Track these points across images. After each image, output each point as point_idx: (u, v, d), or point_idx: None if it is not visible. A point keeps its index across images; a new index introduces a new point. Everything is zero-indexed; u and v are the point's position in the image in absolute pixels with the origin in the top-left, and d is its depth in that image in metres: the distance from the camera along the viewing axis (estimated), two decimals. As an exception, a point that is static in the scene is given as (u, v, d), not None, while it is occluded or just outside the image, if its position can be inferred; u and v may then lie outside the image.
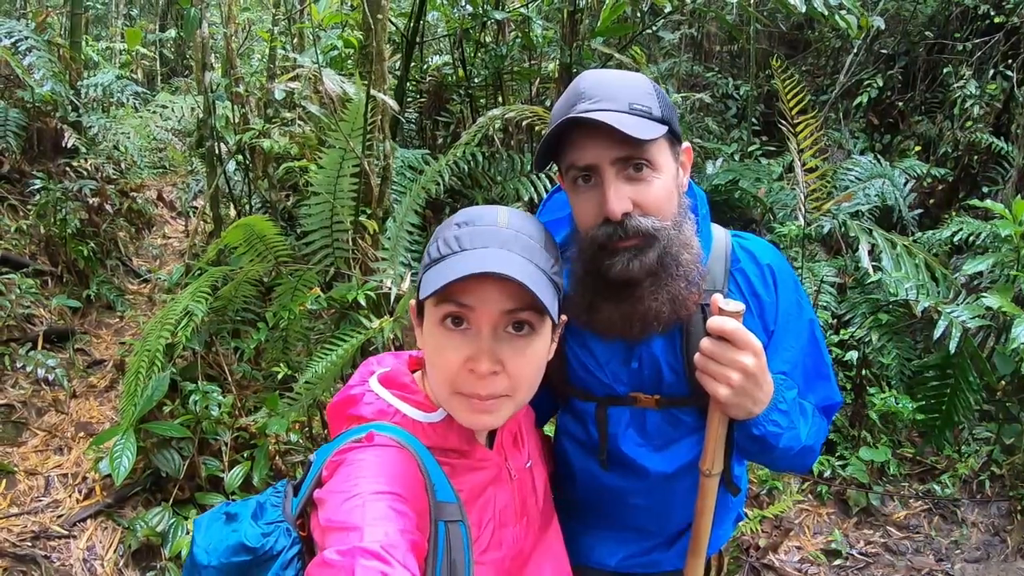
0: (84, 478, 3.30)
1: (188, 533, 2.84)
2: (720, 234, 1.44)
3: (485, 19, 4.60)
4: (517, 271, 1.03)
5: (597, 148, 1.22)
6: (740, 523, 1.90)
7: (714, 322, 1.21)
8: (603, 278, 1.29)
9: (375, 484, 1.03)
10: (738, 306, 1.22)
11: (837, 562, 3.42)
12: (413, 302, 1.22)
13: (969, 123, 4.87)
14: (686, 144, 1.36)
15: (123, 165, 5.32)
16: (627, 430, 1.47)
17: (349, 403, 1.22)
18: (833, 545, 3.47)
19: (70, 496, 3.20)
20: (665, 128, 1.25)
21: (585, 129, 1.22)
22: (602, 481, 1.53)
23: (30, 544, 2.90)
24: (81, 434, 3.57)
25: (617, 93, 1.23)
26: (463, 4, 4.72)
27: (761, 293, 1.40)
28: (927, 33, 5.44)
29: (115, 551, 2.97)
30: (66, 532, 3.00)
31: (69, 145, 4.65)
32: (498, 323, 1.09)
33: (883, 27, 4.23)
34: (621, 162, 1.23)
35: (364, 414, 1.18)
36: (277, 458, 3.24)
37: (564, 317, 1.24)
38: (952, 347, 3.30)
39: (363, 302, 3.06)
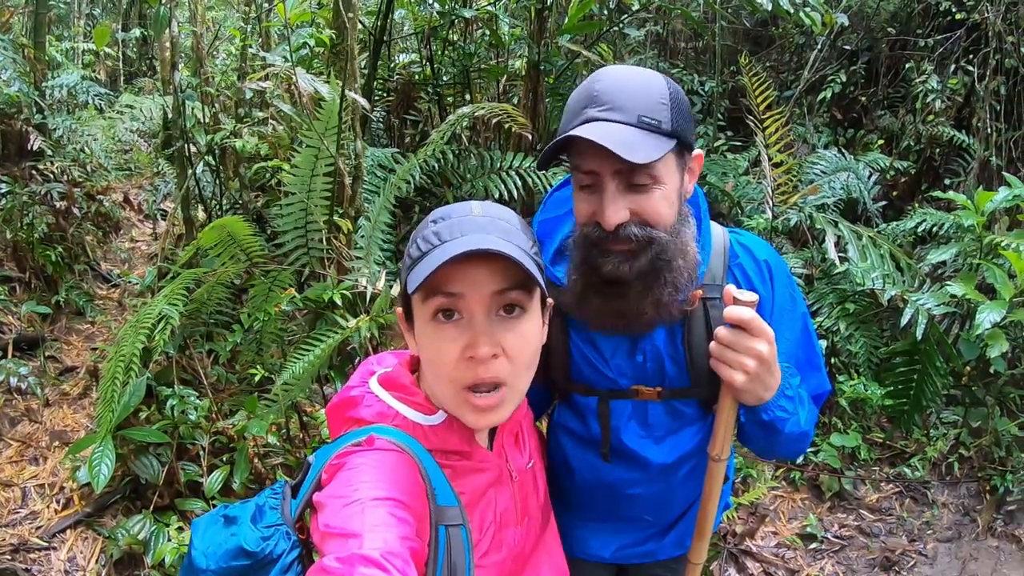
0: (61, 488, 3.24)
1: (170, 540, 2.81)
2: (718, 231, 1.48)
3: (453, 17, 4.60)
4: (501, 248, 1.04)
5: (600, 158, 1.22)
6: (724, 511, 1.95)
7: (732, 311, 1.25)
8: (595, 273, 1.32)
9: (375, 490, 1.03)
10: (752, 296, 1.26)
11: (813, 546, 3.49)
12: (400, 309, 1.21)
13: (931, 117, 4.96)
14: (698, 151, 1.35)
15: (89, 168, 5.23)
16: (629, 422, 1.50)
17: (349, 404, 1.21)
18: (808, 529, 3.55)
19: (48, 507, 3.14)
20: (672, 143, 1.24)
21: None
22: (601, 474, 1.55)
23: (9, 557, 2.85)
24: (56, 443, 3.51)
25: (629, 102, 1.23)
26: (431, 2, 4.71)
27: (758, 288, 1.44)
28: (890, 29, 5.53)
29: (97, 561, 2.93)
30: (46, 544, 2.96)
31: (35, 148, 4.55)
32: (490, 306, 1.09)
33: (847, 24, 4.32)
34: (623, 173, 1.24)
35: (364, 416, 1.18)
36: (256, 461, 3.22)
37: (551, 301, 1.25)
38: (918, 334, 3.38)
39: (339, 302, 3.06)
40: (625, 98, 1.23)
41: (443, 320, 1.09)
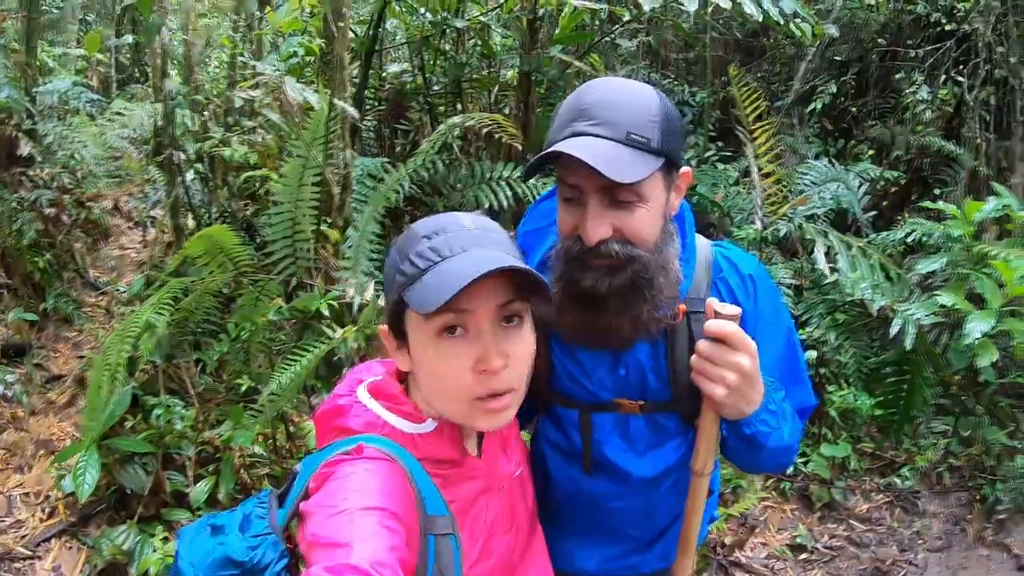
0: (46, 497, 3.22)
1: (155, 551, 2.78)
2: (703, 244, 1.47)
3: (444, 27, 4.60)
4: (511, 263, 1.04)
5: (584, 173, 1.20)
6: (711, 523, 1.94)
7: (713, 325, 1.24)
8: (575, 286, 1.31)
9: (364, 499, 1.02)
10: (734, 309, 1.25)
11: (803, 556, 3.48)
12: (384, 327, 1.20)
13: (921, 127, 4.99)
14: (685, 169, 1.34)
15: (79, 174, 5.20)
16: (611, 436, 1.49)
17: (337, 413, 1.20)
18: (798, 540, 3.54)
19: (33, 515, 3.11)
20: (659, 163, 1.23)
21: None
22: (583, 486, 1.54)
23: (-7, 566, 2.84)
24: (42, 452, 3.48)
25: (618, 117, 1.21)
26: (422, 12, 4.72)
27: (742, 301, 1.42)
28: (880, 40, 5.56)
29: (81, 571, 2.90)
30: (30, 553, 2.93)
31: (24, 154, 4.53)
32: (495, 318, 1.10)
33: (837, 35, 4.34)
34: (607, 189, 1.23)
35: (352, 426, 1.17)
36: (242, 471, 3.20)
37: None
38: (908, 344, 3.38)
39: (326, 312, 3.05)
40: (614, 113, 1.22)
41: (449, 336, 1.09)
